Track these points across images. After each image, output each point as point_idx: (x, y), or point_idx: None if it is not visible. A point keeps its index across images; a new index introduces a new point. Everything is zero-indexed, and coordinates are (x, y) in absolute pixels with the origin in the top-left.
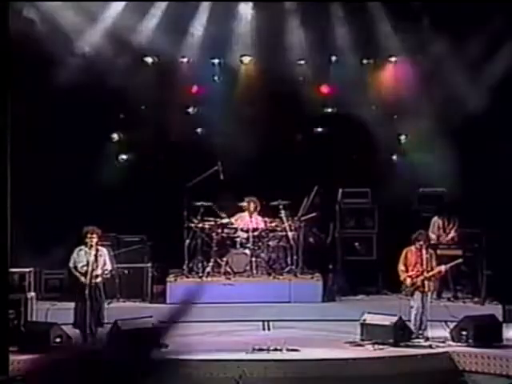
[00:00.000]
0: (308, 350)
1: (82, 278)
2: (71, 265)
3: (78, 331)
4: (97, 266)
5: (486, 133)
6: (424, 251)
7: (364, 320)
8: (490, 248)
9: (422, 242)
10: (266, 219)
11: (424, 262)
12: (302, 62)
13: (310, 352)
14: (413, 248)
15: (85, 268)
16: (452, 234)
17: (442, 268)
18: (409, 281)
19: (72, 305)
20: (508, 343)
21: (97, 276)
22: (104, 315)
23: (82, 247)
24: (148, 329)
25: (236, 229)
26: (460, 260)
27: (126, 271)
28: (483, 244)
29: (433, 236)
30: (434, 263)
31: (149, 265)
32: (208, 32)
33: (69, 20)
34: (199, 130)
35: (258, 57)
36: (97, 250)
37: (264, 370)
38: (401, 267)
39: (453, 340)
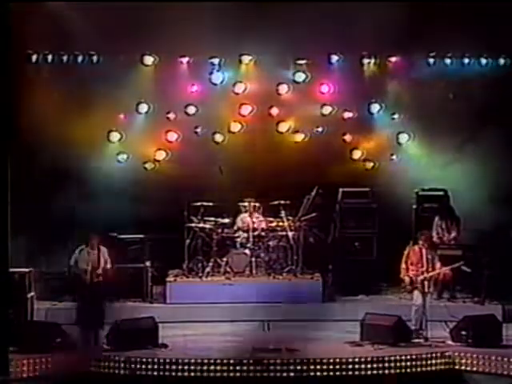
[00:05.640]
0: (308, 350)
1: (84, 276)
2: (72, 263)
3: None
4: (99, 265)
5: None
6: (425, 251)
7: (364, 320)
8: (490, 248)
9: (423, 242)
10: (266, 219)
11: (425, 262)
12: (303, 61)
13: (310, 352)
14: (416, 247)
15: (86, 267)
16: (454, 233)
17: (442, 269)
18: (407, 279)
19: (72, 305)
20: (508, 343)
21: (98, 275)
22: (105, 315)
23: (83, 247)
24: None
25: (236, 229)
26: (461, 262)
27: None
28: (483, 244)
29: (436, 236)
30: (436, 265)
31: (149, 265)
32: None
33: None
34: (199, 129)
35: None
36: (98, 250)
37: (264, 369)
38: (402, 265)
39: (453, 340)
